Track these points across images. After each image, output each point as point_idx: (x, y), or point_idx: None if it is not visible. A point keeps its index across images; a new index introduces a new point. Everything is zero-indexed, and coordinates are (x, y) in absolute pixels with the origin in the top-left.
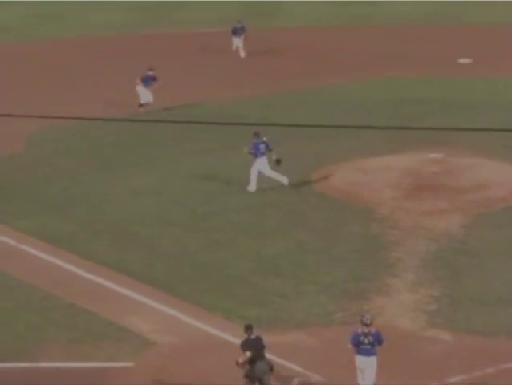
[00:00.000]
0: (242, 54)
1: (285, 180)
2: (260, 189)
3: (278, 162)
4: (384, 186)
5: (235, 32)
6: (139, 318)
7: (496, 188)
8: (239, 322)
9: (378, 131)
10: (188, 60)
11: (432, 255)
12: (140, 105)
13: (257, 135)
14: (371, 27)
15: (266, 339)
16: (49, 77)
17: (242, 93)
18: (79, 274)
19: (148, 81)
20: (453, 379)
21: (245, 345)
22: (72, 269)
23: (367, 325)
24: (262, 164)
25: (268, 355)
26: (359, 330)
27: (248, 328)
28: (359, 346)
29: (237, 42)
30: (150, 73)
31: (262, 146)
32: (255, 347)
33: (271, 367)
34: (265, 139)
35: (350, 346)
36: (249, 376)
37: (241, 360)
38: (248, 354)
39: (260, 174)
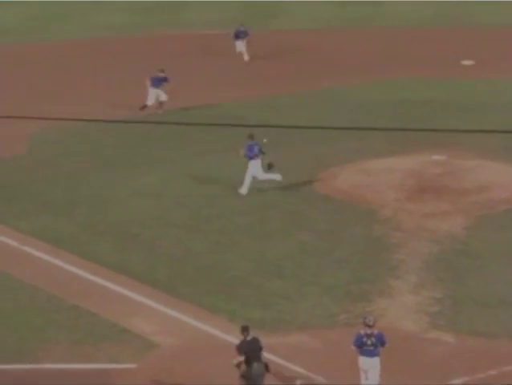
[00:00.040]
0: (246, 57)
1: (279, 177)
2: (262, 191)
3: (270, 166)
4: (387, 188)
5: (238, 36)
6: (141, 319)
7: (498, 189)
8: (242, 324)
9: (380, 132)
10: (189, 62)
11: (435, 257)
12: (144, 106)
13: (251, 137)
14: (373, 29)
15: (269, 341)
16: (50, 78)
17: (243, 94)
18: (81, 275)
19: (158, 82)
20: (456, 381)
21: (241, 346)
22: (74, 270)
23: (369, 326)
24: (255, 167)
25: (271, 357)
26: (362, 332)
27: (244, 329)
28: (362, 348)
29: (241, 45)
30: (161, 74)
31: (256, 148)
32: (251, 349)
33: (267, 368)
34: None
35: (353, 347)
36: (245, 377)
37: (234, 362)
38: (240, 358)
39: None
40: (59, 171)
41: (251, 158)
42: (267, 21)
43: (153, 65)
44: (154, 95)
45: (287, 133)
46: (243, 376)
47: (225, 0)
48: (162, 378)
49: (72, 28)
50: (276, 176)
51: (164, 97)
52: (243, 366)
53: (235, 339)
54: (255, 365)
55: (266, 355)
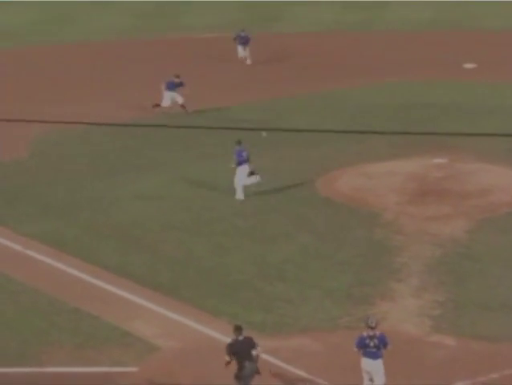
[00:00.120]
0: (249, 61)
1: (258, 178)
2: (264, 194)
3: (251, 174)
4: (389, 191)
5: (240, 41)
6: (143, 322)
7: (500, 193)
8: (244, 327)
9: (381, 135)
10: (191, 65)
11: (437, 260)
12: (157, 105)
13: (239, 143)
14: (374, 32)
15: (271, 344)
16: (51, 81)
17: (245, 98)
18: (83, 279)
19: (173, 86)
20: (458, 384)
21: (231, 346)
22: (76, 273)
23: (372, 328)
24: (243, 173)
25: (273, 360)
26: (365, 334)
27: (237, 329)
28: (364, 349)
29: (243, 51)
30: (176, 80)
31: (245, 153)
32: (242, 348)
33: (258, 370)
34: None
35: (355, 349)
36: (238, 377)
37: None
38: (227, 358)
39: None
40: (61, 174)
41: (240, 164)
42: (268, 24)
43: (154, 68)
44: (169, 98)
45: (288, 136)
46: (236, 376)
47: (227, 1)
48: (164, 381)
49: (72, 31)
50: (256, 178)
51: (180, 100)
52: (236, 367)
53: None
54: (247, 364)
55: (267, 358)
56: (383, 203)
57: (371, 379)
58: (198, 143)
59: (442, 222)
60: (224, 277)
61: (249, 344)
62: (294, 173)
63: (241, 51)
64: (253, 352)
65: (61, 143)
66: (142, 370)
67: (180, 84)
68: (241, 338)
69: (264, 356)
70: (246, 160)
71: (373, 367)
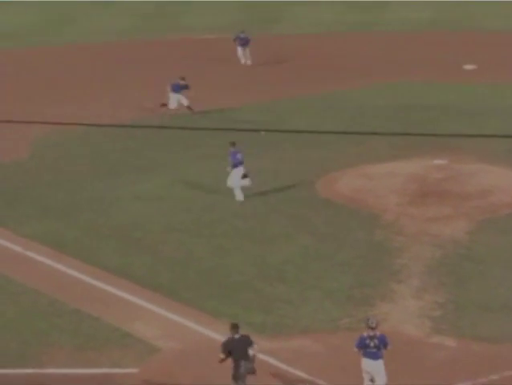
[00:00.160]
0: (249, 62)
1: (248, 182)
2: (264, 195)
3: (245, 176)
4: (389, 192)
5: (240, 43)
6: (143, 323)
7: (500, 194)
8: (244, 328)
9: (381, 137)
10: (190, 66)
11: (437, 261)
12: (164, 104)
13: (233, 144)
14: (375, 33)
15: (271, 345)
16: (51, 82)
17: (245, 99)
18: (84, 280)
19: (178, 89)
20: None
21: (226, 344)
22: (76, 274)
23: (372, 328)
24: (238, 175)
25: (273, 361)
26: (365, 334)
27: (233, 327)
28: (365, 350)
29: (243, 53)
30: (182, 82)
31: (240, 155)
32: (238, 347)
33: (253, 370)
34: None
35: (355, 349)
36: (235, 377)
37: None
38: (221, 355)
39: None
40: (61, 175)
41: (235, 166)
42: (268, 25)
43: (154, 69)
44: (175, 99)
45: (288, 137)
46: (233, 377)
47: (227, 1)
48: (164, 383)
49: (72, 32)
50: (241, 196)
51: (185, 101)
52: (232, 366)
53: None
54: (243, 363)
55: (267, 360)
56: (383, 204)
57: (371, 380)
58: (198, 144)
59: (442, 223)
60: (224, 278)
61: (246, 342)
62: (294, 174)
63: (240, 53)
64: (250, 351)
65: (61, 144)
66: (142, 371)
67: (186, 87)
68: (237, 336)
69: (264, 357)
70: (242, 162)
71: (373, 368)
